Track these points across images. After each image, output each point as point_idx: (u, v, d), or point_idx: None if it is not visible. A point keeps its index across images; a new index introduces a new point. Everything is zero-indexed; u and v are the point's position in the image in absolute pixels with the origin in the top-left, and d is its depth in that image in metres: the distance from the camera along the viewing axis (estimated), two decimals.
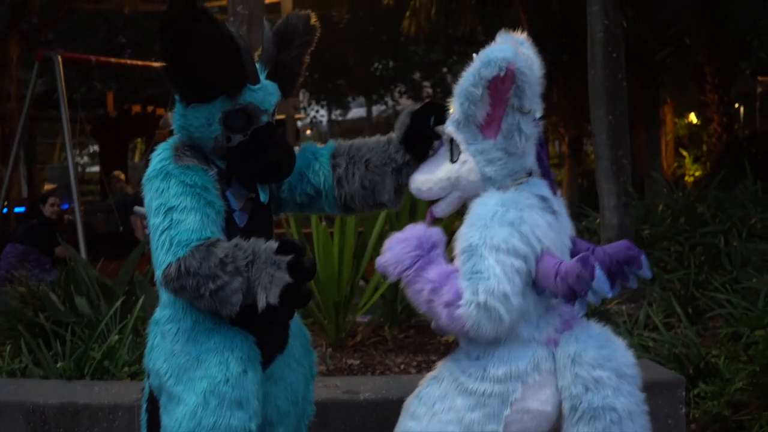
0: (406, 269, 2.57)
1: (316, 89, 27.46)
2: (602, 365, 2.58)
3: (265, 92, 2.77)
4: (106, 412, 3.85)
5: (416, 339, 5.39)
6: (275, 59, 2.86)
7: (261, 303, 2.44)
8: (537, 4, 15.55)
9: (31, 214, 10.58)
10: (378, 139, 2.97)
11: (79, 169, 21.49)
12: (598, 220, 7.03)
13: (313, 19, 2.97)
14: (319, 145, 3.07)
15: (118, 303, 5.15)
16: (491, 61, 2.46)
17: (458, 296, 2.48)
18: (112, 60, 12.05)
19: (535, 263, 2.53)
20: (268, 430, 2.83)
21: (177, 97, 2.73)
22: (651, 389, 3.94)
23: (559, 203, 2.74)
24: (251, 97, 2.71)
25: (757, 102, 27.25)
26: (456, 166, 2.64)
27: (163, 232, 2.58)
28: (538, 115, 2.75)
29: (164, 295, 2.75)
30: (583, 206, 9.11)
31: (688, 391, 4.25)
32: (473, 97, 2.52)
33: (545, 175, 2.76)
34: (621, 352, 2.67)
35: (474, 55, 2.59)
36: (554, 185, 2.80)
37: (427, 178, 2.69)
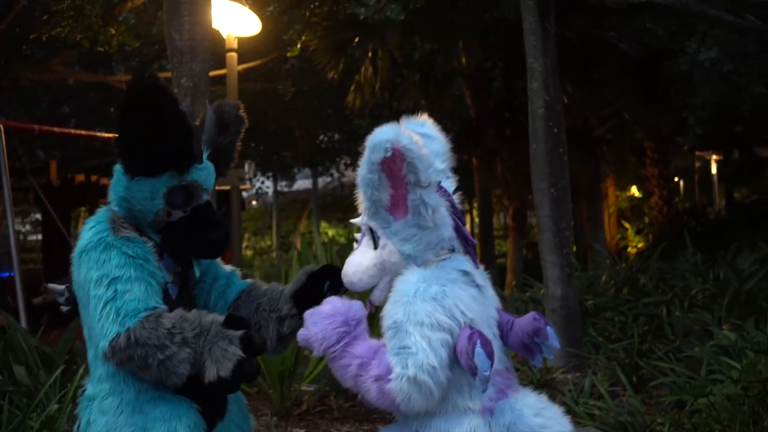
0: (332, 345, 2.58)
1: (262, 161, 27.51)
2: None
3: (207, 172, 2.83)
4: None
5: (362, 408, 5.35)
6: (215, 142, 2.91)
7: (211, 376, 2.45)
8: (479, 81, 15.82)
9: None
10: (276, 287, 3.03)
11: (21, 237, 21.17)
12: (542, 291, 7.08)
13: (242, 110, 3.04)
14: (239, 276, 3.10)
15: (59, 371, 5.04)
16: (376, 145, 2.52)
17: (388, 371, 2.49)
18: (55, 129, 11.95)
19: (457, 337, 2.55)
20: None
21: (121, 168, 2.73)
22: None
23: (482, 277, 2.78)
24: (197, 175, 2.77)
25: (695, 176, 27.87)
26: (378, 251, 2.68)
27: (107, 303, 2.56)
28: (451, 186, 2.85)
29: (100, 369, 2.70)
30: (527, 277, 9.17)
31: None
32: (372, 183, 2.57)
33: (464, 242, 2.78)
34: (557, 419, 2.67)
35: None
36: (475, 255, 2.82)
37: (356, 270, 2.72)
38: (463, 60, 15.31)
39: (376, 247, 2.69)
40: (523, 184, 15.46)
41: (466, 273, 2.68)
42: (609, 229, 18.98)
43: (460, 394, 2.59)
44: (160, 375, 2.51)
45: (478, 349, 2.45)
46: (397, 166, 2.53)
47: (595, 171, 16.86)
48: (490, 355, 2.47)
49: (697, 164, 28.02)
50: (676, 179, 25.98)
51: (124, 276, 2.58)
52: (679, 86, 13.96)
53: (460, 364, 2.56)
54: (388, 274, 2.68)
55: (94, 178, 15.16)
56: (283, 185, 34.41)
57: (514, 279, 15.22)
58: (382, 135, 2.52)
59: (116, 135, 2.68)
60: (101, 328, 2.56)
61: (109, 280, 2.58)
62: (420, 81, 15.82)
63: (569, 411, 5.06)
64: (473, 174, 17.08)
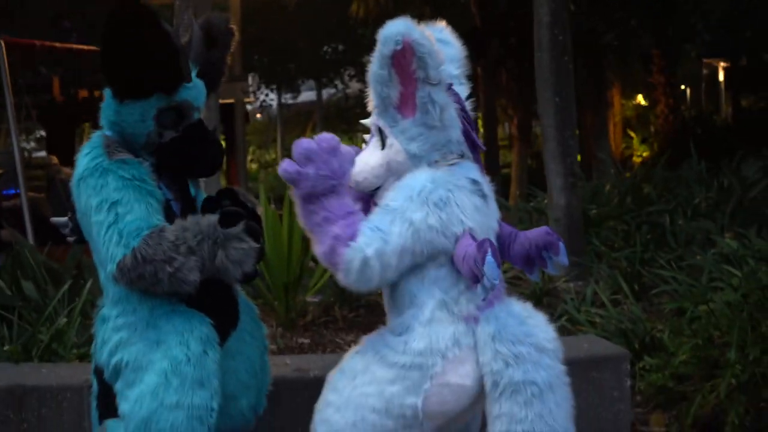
0: (314, 192, 2.58)
1: (266, 73, 27.35)
2: (522, 341, 2.62)
3: (197, 90, 2.85)
4: (55, 394, 3.82)
5: (366, 318, 5.42)
6: (203, 58, 2.91)
7: (238, 275, 2.59)
8: None
9: None
10: None
11: (26, 154, 21.22)
12: (546, 201, 7.11)
13: (231, 23, 3.05)
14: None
15: (66, 286, 5.11)
16: (386, 38, 2.52)
17: (352, 237, 2.54)
18: (57, 45, 11.90)
19: (455, 243, 2.59)
20: (231, 404, 2.87)
21: (109, 92, 2.75)
22: (597, 363, 4.06)
23: (488, 187, 2.80)
24: (186, 94, 2.78)
25: (702, 84, 27.66)
26: (385, 151, 2.70)
27: (109, 226, 2.61)
28: (464, 92, 2.84)
29: (112, 291, 2.76)
30: (531, 187, 9.19)
31: (633, 365, 4.34)
32: (382, 79, 2.59)
33: (473, 148, 2.79)
34: (541, 327, 2.72)
35: None
36: (481, 163, 2.85)
37: (362, 169, 2.73)
38: None
39: (383, 147, 2.71)
40: (527, 94, 15.37)
41: (475, 181, 2.71)
42: (614, 138, 18.95)
43: (449, 299, 2.65)
44: (173, 286, 2.57)
45: (489, 258, 2.48)
46: (407, 61, 2.54)
47: (600, 79, 16.76)
48: (498, 264, 2.51)
49: (705, 72, 27.80)
50: (683, 87, 25.80)
51: (123, 198, 2.62)
52: None
53: (452, 270, 2.60)
54: (393, 174, 2.69)
55: (97, 93, 15.09)
56: (287, 97, 34.28)
57: (519, 189, 15.26)
58: (394, 28, 2.53)
59: (101, 59, 2.67)
60: (107, 252, 2.61)
61: (109, 204, 2.62)
62: None
63: (570, 319, 5.18)
64: (477, 84, 16.99)
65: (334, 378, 2.76)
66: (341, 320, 5.39)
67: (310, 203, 2.58)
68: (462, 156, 2.75)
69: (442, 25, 2.98)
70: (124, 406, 2.70)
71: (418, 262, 2.62)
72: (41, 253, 5.92)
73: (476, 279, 2.52)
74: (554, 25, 6.67)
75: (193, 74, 2.83)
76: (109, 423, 2.79)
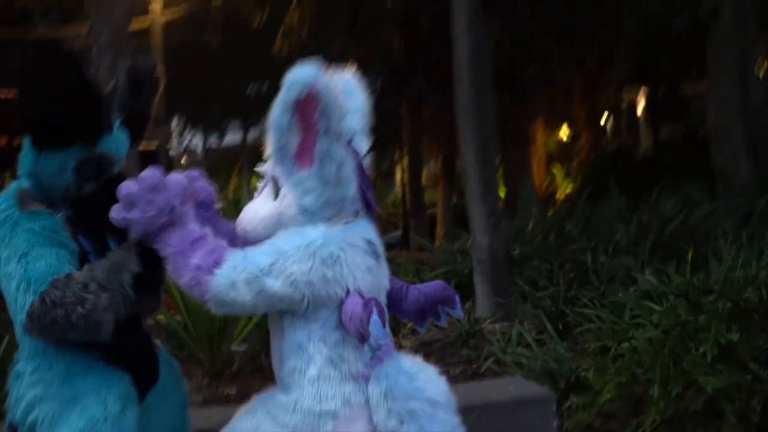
0: (151, 233, 2.53)
1: (190, 115, 27.20)
2: (414, 397, 2.58)
3: (119, 141, 2.75)
4: None
5: None
6: (128, 106, 2.84)
7: (128, 280, 2.49)
8: (407, 25, 15.76)
9: None
10: None
11: None
12: (469, 242, 7.15)
13: (158, 70, 2.96)
14: None
15: None
16: (292, 84, 2.45)
17: (216, 264, 2.48)
18: None
19: (341, 302, 2.56)
20: None
21: (28, 140, 2.65)
22: (523, 405, 4.10)
23: (381, 248, 2.76)
24: (107, 146, 2.68)
25: (622, 116, 28.19)
26: (277, 202, 2.61)
27: (18, 278, 2.52)
28: (363, 148, 2.76)
29: (28, 346, 2.67)
30: (456, 228, 9.26)
31: (560, 405, 4.38)
32: (283, 126, 2.51)
33: (367, 207, 2.74)
34: (433, 381, 2.67)
35: None
36: (375, 222, 2.79)
37: (251, 218, 2.66)
38: (389, 4, 15.24)
39: (276, 197, 2.63)
40: (451, 131, 15.48)
41: (369, 242, 2.67)
42: (538, 174, 19.16)
43: (336, 357, 2.59)
44: (89, 331, 2.48)
45: (375, 317, 2.45)
46: (309, 110, 2.47)
47: (522, 114, 16.96)
48: (384, 323, 2.49)
49: (625, 102, 28.32)
50: (605, 118, 26.27)
51: (33, 250, 2.53)
52: (605, 20, 14.03)
53: (340, 327, 2.57)
54: (283, 227, 2.60)
55: (16, 141, 14.87)
56: (212, 142, 34.09)
57: (444, 228, 15.35)
58: (300, 74, 2.46)
59: (19, 104, 2.60)
60: (17, 303, 2.53)
61: (19, 256, 2.53)
62: (347, 26, 15.71)
63: (497, 360, 5.20)
64: (402, 120, 17.10)
65: None
66: (268, 369, 5.31)
67: (153, 243, 2.53)
68: (356, 214, 2.70)
69: (349, 74, 2.86)
70: None
71: (297, 311, 2.56)
72: None
73: (363, 338, 2.49)
74: (474, 61, 6.70)
75: (117, 124, 2.75)
76: None
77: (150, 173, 2.52)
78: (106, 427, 2.57)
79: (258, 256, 2.51)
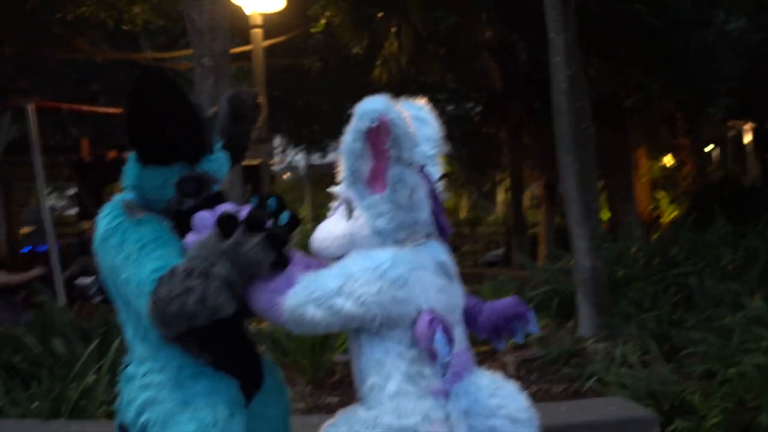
0: None
1: (292, 135, 27.58)
2: (495, 414, 2.60)
3: (219, 163, 2.85)
4: None
5: None
6: (228, 131, 2.94)
7: (263, 273, 2.53)
8: (504, 55, 15.77)
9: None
10: None
11: (56, 211, 21.41)
12: (571, 262, 7.11)
13: (260, 98, 3.06)
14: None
15: (94, 344, 5.16)
16: (363, 114, 2.51)
17: (289, 285, 2.55)
18: (84, 108, 12.15)
19: (413, 322, 2.57)
20: None
21: (133, 155, 2.75)
22: (626, 426, 4.03)
23: (454, 269, 2.78)
24: (207, 166, 2.79)
25: (728, 145, 27.63)
26: (351, 223, 2.66)
27: (134, 282, 2.60)
28: (436, 174, 2.81)
29: (139, 349, 2.75)
30: (557, 249, 9.19)
31: (664, 428, 4.30)
32: (355, 152, 2.56)
33: (440, 230, 2.77)
34: (513, 397, 2.70)
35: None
36: (449, 243, 2.82)
37: (325, 237, 2.71)
38: (487, 34, 15.27)
39: (350, 218, 2.68)
40: (551, 156, 15.40)
41: (441, 263, 2.70)
42: (641, 199, 18.89)
43: (414, 373, 2.60)
44: (210, 313, 2.52)
45: (438, 335, 2.48)
46: (381, 138, 2.52)
47: (624, 142, 16.78)
48: (450, 341, 2.50)
49: (731, 133, 27.78)
50: (710, 148, 25.80)
51: (143, 253, 2.61)
52: (706, 57, 13.82)
53: (418, 347, 2.59)
54: (356, 247, 2.65)
55: (125, 154, 15.32)
56: (315, 158, 34.53)
57: (546, 249, 15.24)
58: (371, 105, 2.51)
59: (126, 123, 2.70)
60: (138, 307, 2.62)
61: (132, 260, 2.61)
62: (445, 55, 15.78)
63: (599, 380, 5.14)
64: (502, 146, 17.08)
65: None
66: None
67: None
68: (428, 236, 2.73)
69: (421, 102, 2.95)
70: None
71: (371, 329, 2.59)
72: (70, 311, 5.98)
73: (433, 357, 2.51)
74: (572, 92, 6.72)
75: (218, 146, 2.86)
76: None
77: (224, 207, 2.67)
78: (215, 431, 2.65)
79: (328, 278, 2.56)
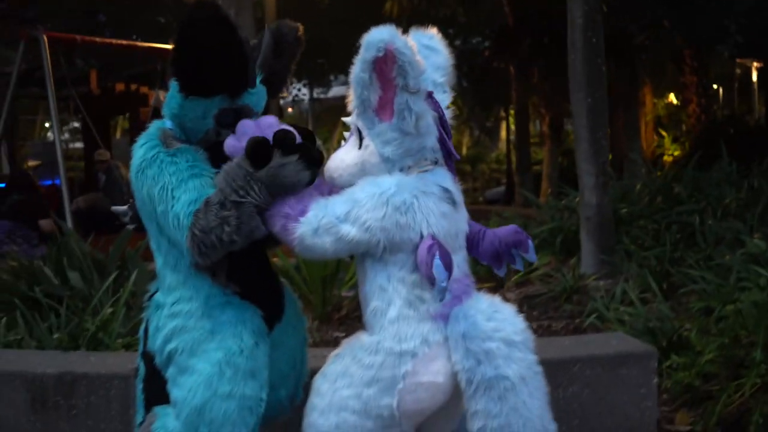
0: None
1: (298, 68, 27.45)
2: (491, 337, 2.69)
3: (259, 96, 2.94)
4: (103, 381, 3.96)
5: None
6: (270, 65, 3.00)
7: (301, 185, 2.67)
8: None
9: (12, 190, 10.55)
10: None
11: (63, 146, 21.45)
12: (577, 199, 7.19)
13: (301, 31, 3.10)
14: None
15: (112, 278, 5.27)
16: (369, 44, 2.60)
17: (302, 213, 2.67)
18: (97, 40, 12.09)
19: (416, 246, 2.68)
20: (271, 393, 2.94)
21: (176, 85, 2.83)
22: (625, 361, 4.16)
23: (459, 195, 2.89)
24: (248, 99, 2.88)
25: (735, 84, 27.47)
26: (361, 151, 2.78)
27: (169, 214, 2.71)
28: (445, 100, 2.92)
29: (169, 278, 2.86)
30: (562, 185, 9.26)
31: (660, 363, 4.41)
32: (363, 82, 2.66)
33: (447, 156, 2.88)
34: (509, 320, 2.78)
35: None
36: (454, 171, 2.93)
37: (338, 166, 2.83)
38: None
39: (360, 147, 2.79)
40: (559, 93, 15.38)
41: (445, 189, 2.80)
42: (646, 137, 18.88)
43: (414, 298, 2.72)
44: (247, 238, 2.64)
45: (437, 261, 2.59)
46: (387, 67, 2.61)
47: (632, 79, 16.73)
48: (447, 266, 2.61)
49: (738, 72, 27.61)
50: (716, 87, 25.64)
51: (180, 185, 2.71)
52: None
53: (416, 270, 2.69)
54: (367, 174, 2.76)
55: (134, 87, 15.28)
56: (318, 92, 34.39)
57: (550, 186, 15.31)
58: (377, 35, 2.61)
59: (173, 55, 2.77)
60: (177, 240, 2.73)
61: (168, 191, 2.71)
62: None
63: (600, 316, 5.28)
64: (510, 82, 17.05)
65: (317, 382, 2.84)
66: None
67: None
68: (436, 163, 2.83)
69: (431, 32, 3.05)
70: (176, 393, 2.81)
71: (375, 254, 2.72)
72: (86, 243, 6.08)
73: (432, 282, 2.63)
74: (587, 27, 6.73)
75: (258, 80, 2.92)
76: (158, 410, 2.88)
77: (269, 119, 2.79)
78: (241, 360, 2.77)
79: (336, 204, 2.68)
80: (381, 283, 2.75)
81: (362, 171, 2.78)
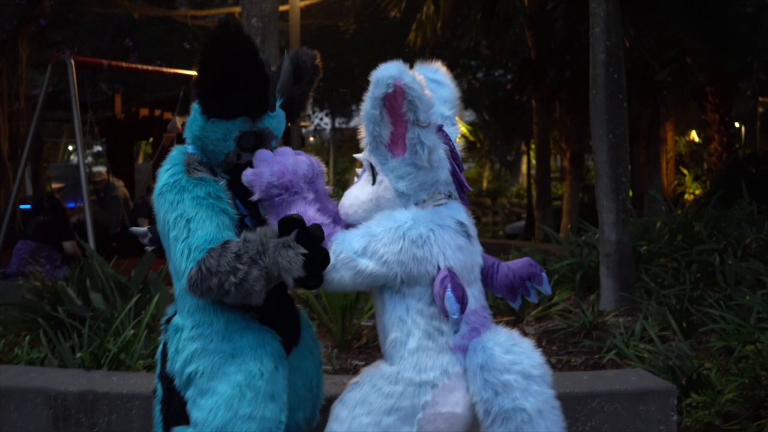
0: (279, 193, 2.82)
1: (320, 97, 27.60)
2: (509, 369, 2.73)
3: (278, 120, 3.00)
4: (125, 401, 4.01)
5: None
6: (289, 90, 3.06)
7: (290, 282, 2.62)
8: (542, 22, 15.73)
9: (37, 212, 10.66)
10: None
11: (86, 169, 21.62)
12: (597, 236, 7.20)
13: (318, 60, 3.16)
14: None
15: (134, 300, 5.32)
16: (378, 81, 2.66)
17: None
18: (123, 64, 12.21)
19: (433, 279, 2.73)
20: (289, 416, 2.98)
21: (198, 108, 2.89)
22: (645, 397, 4.16)
23: (473, 228, 2.94)
24: (268, 122, 2.94)
25: (758, 122, 27.43)
26: (375, 187, 2.83)
27: (182, 241, 2.75)
28: (455, 133, 2.99)
29: (189, 302, 2.90)
30: (582, 221, 9.27)
31: (680, 401, 4.41)
32: (374, 119, 2.71)
33: (459, 188, 2.92)
34: (527, 354, 2.82)
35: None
36: (467, 203, 2.97)
37: (352, 203, 2.88)
38: (526, 0, 15.23)
39: (374, 182, 2.83)
40: (581, 127, 15.44)
41: (460, 223, 2.85)
42: (666, 175, 18.88)
43: (433, 330, 2.77)
44: (242, 297, 2.66)
45: (449, 293, 2.64)
46: (397, 103, 2.66)
47: (654, 115, 16.74)
48: (459, 299, 2.65)
49: (760, 110, 27.56)
50: (738, 125, 25.62)
51: (197, 215, 2.76)
52: (745, 29, 13.74)
53: (434, 302, 2.74)
54: (382, 209, 2.82)
55: (158, 112, 15.41)
56: (340, 122, 34.57)
57: (570, 222, 15.29)
58: (386, 71, 2.66)
59: (197, 76, 2.83)
60: (179, 266, 2.76)
61: (184, 221, 2.76)
62: (481, 20, 15.78)
63: (619, 353, 5.27)
64: (531, 115, 17.09)
65: (336, 409, 2.88)
66: None
67: (288, 205, 2.81)
68: (450, 196, 2.88)
69: (437, 65, 3.11)
70: (196, 414, 2.83)
71: (393, 287, 2.77)
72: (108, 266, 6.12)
73: (446, 313, 2.67)
74: (609, 63, 6.75)
75: (277, 104, 2.98)
76: (178, 430, 2.91)
77: (286, 150, 2.88)
78: (261, 383, 2.80)
79: (353, 239, 2.73)
80: (400, 315, 2.79)
81: (377, 207, 2.83)
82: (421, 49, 15.00)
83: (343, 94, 27.69)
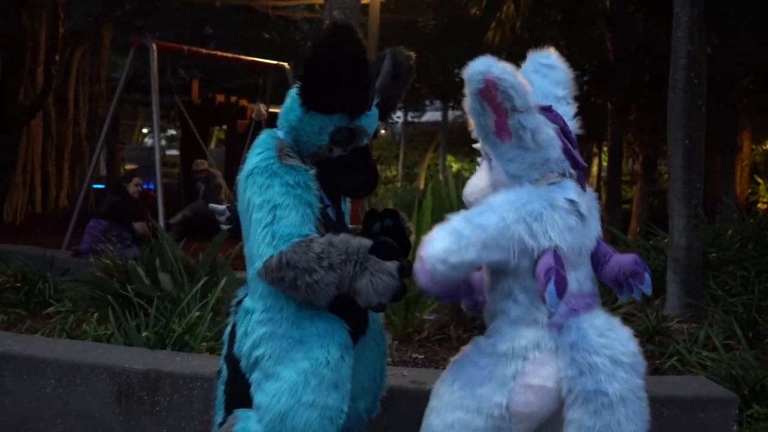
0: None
1: None
2: (598, 352, 2.77)
3: (373, 119, 3.04)
4: (187, 381, 4.08)
5: None
6: (386, 89, 3.09)
7: (367, 301, 2.71)
8: (622, 25, 15.57)
9: (111, 192, 10.87)
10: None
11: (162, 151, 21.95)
12: (666, 240, 7.11)
13: (413, 59, 3.20)
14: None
15: (201, 283, 5.40)
16: (470, 78, 2.77)
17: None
18: (203, 51, 12.37)
19: (537, 256, 2.79)
20: (351, 405, 3.00)
21: (297, 98, 2.93)
22: (705, 405, 4.12)
23: (589, 203, 3.01)
24: (364, 121, 2.98)
25: None
26: (491, 173, 2.98)
27: (266, 226, 2.79)
28: (569, 111, 3.10)
29: (260, 287, 2.94)
30: (651, 225, 9.16)
31: (741, 412, 4.35)
32: (477, 111, 2.84)
33: (573, 163, 2.99)
34: (622, 341, 2.85)
35: None
36: (584, 179, 3.04)
37: (473, 191, 3.05)
38: (608, 2, 15.08)
39: (491, 169, 2.98)
40: (656, 132, 15.23)
41: (572, 202, 2.90)
42: (740, 183, 18.55)
43: (533, 308, 2.85)
44: (308, 296, 2.74)
45: (551, 287, 2.70)
46: (492, 95, 2.77)
47: (732, 122, 16.46)
48: (560, 293, 2.70)
49: None
50: None
51: (284, 203, 2.80)
52: None
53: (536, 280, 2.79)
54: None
55: (233, 99, 15.59)
56: (412, 116, 34.56)
57: (638, 225, 15.12)
58: (474, 68, 2.76)
59: (304, 69, 2.87)
60: (258, 249, 2.81)
61: (270, 206, 2.81)
62: (561, 21, 15.68)
63: (681, 359, 5.21)
64: (606, 117, 16.92)
65: (436, 386, 3.02)
66: (455, 339, 5.53)
67: None
68: (564, 174, 2.96)
69: (549, 51, 3.27)
70: (260, 398, 2.88)
71: (506, 261, 2.82)
72: (178, 248, 6.23)
73: (545, 301, 2.74)
74: (690, 67, 6.68)
75: (374, 103, 3.02)
76: (240, 413, 2.96)
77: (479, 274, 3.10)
78: (327, 371, 2.84)
79: (473, 214, 2.82)
80: (505, 289, 2.91)
81: (494, 191, 2.95)
82: (498, 47, 14.94)
83: (418, 89, 27.68)
